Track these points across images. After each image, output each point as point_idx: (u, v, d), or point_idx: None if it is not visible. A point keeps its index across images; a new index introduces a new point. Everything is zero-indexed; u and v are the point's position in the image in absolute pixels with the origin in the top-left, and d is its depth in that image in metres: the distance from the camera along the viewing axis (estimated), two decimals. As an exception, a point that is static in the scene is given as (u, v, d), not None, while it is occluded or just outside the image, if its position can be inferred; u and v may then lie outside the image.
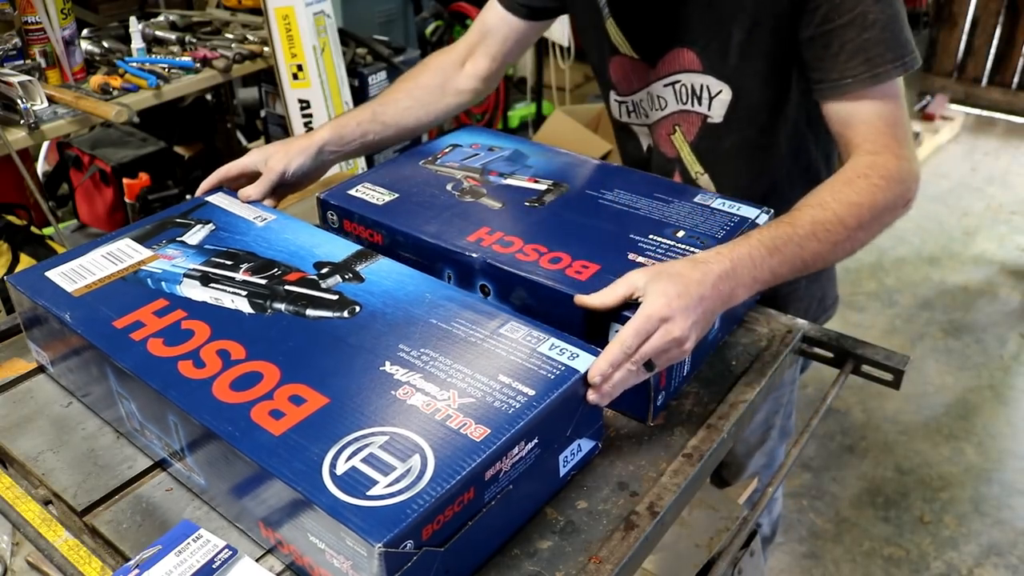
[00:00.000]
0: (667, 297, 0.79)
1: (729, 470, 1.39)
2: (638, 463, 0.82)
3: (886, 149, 0.98)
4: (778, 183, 1.19)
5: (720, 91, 1.11)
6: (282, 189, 1.13)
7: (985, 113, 4.67)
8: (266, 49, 2.57)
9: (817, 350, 1.02)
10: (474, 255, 0.92)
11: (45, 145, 3.16)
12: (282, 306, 0.84)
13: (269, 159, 1.10)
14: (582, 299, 0.84)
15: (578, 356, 0.76)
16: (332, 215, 1.05)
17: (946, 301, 3.17)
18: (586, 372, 0.75)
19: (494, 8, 1.27)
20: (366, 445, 0.67)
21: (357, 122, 1.19)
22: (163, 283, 0.88)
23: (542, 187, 1.05)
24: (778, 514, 1.74)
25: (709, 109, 1.14)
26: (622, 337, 0.77)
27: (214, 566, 0.67)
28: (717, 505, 1.13)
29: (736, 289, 0.85)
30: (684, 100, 1.15)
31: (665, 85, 1.16)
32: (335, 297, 0.85)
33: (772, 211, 1.01)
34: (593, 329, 0.84)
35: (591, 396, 0.77)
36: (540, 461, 0.73)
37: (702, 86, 1.12)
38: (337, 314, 0.83)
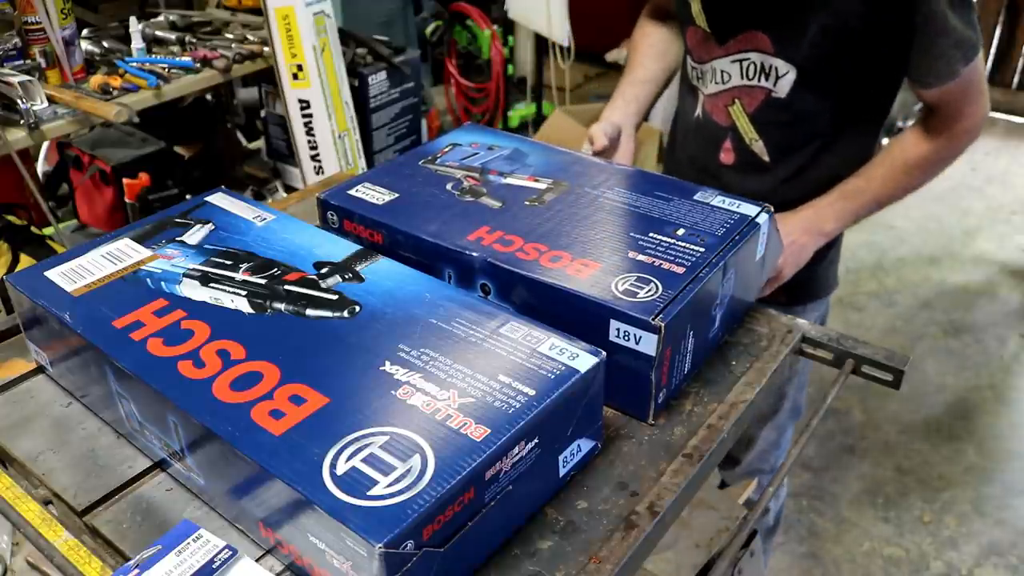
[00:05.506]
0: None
1: (739, 443, 1.39)
2: (638, 463, 0.82)
3: (964, 116, 1.21)
4: (827, 143, 1.32)
5: (788, 72, 1.23)
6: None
7: (985, 113, 4.67)
8: (266, 49, 2.57)
9: (817, 350, 1.02)
10: (474, 254, 0.92)
11: (45, 145, 3.16)
12: (282, 306, 0.84)
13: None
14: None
15: (578, 356, 0.76)
16: (332, 215, 1.05)
17: (946, 301, 3.17)
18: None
19: None
20: (366, 445, 0.67)
21: (641, 85, 1.43)
22: (163, 283, 0.88)
23: (542, 186, 1.05)
24: (783, 502, 1.74)
25: (775, 86, 1.26)
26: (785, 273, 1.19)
27: (214, 566, 0.67)
28: (717, 505, 1.14)
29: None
30: (750, 76, 1.27)
31: (732, 61, 1.27)
32: (335, 297, 0.85)
33: (772, 209, 1.01)
34: (593, 329, 0.84)
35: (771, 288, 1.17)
36: (540, 461, 0.73)
37: (771, 66, 1.24)
38: (337, 314, 0.82)
